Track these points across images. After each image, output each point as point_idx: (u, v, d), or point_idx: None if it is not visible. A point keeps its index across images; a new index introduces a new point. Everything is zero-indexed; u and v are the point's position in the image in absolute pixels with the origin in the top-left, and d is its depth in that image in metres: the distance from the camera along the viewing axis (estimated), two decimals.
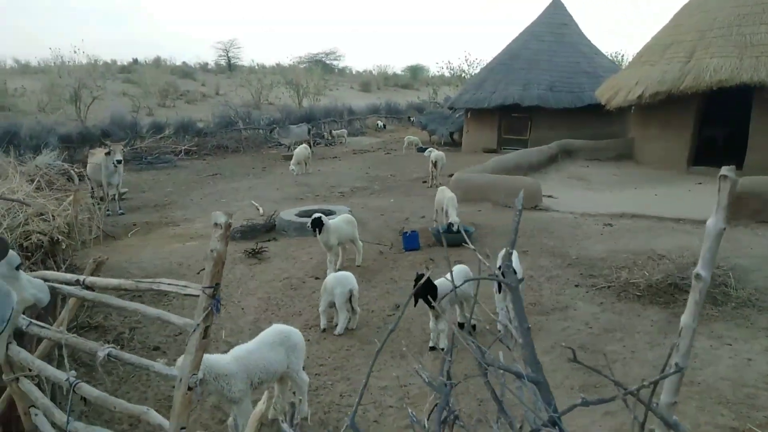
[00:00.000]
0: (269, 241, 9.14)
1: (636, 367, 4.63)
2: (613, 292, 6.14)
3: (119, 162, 10.78)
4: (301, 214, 10.09)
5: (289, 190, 14.35)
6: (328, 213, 10.22)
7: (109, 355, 2.65)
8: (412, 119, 30.94)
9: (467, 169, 12.23)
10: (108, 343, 5.40)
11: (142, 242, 9.47)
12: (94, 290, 2.88)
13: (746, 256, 6.94)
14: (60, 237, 4.23)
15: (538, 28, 20.25)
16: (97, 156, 11.84)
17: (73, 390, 2.82)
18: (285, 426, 2.30)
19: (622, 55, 38.01)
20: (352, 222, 7.84)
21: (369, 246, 8.51)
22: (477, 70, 35.97)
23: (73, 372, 2.88)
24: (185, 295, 2.54)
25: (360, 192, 13.95)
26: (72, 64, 31.99)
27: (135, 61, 46.03)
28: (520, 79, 18.80)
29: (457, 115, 22.56)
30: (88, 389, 2.81)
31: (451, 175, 14.66)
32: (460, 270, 5.35)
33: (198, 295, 2.50)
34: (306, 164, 16.89)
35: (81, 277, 2.83)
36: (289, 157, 20.13)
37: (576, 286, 6.46)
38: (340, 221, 7.71)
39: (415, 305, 5.07)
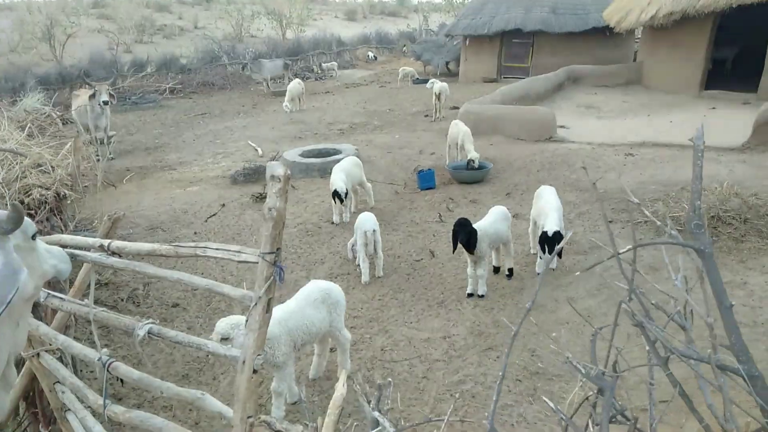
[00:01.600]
0: None
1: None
2: (651, 226, 5.85)
3: (105, 103, 10.07)
4: (305, 154, 9.59)
5: (285, 128, 13.71)
6: (333, 152, 9.74)
7: (149, 332, 2.28)
8: (404, 49, 29.71)
9: (474, 100, 11.65)
10: (122, 301, 5.07)
11: (139, 189, 8.96)
12: (120, 256, 2.48)
13: None
14: (65, 191, 3.76)
15: None
16: (81, 98, 11.04)
17: (107, 370, 2.47)
18: (374, 412, 1.98)
19: None
20: (359, 164, 7.27)
21: (382, 186, 8.11)
22: None
23: (105, 350, 2.52)
24: (239, 261, 2.14)
25: (360, 128, 13.37)
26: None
27: None
28: (521, 2, 17.79)
29: (454, 43, 21.55)
30: (125, 370, 2.46)
31: (454, 108, 14.12)
32: (499, 211, 4.98)
33: (255, 262, 2.10)
34: (300, 101, 16.12)
35: (105, 242, 2.42)
36: (279, 94, 19.33)
37: (610, 222, 6.15)
38: (347, 163, 7.12)
39: (453, 251, 4.73)
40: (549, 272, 5.14)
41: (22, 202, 3.73)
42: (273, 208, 2.05)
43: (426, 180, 7.94)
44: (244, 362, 2.08)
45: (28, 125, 4.82)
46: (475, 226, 4.58)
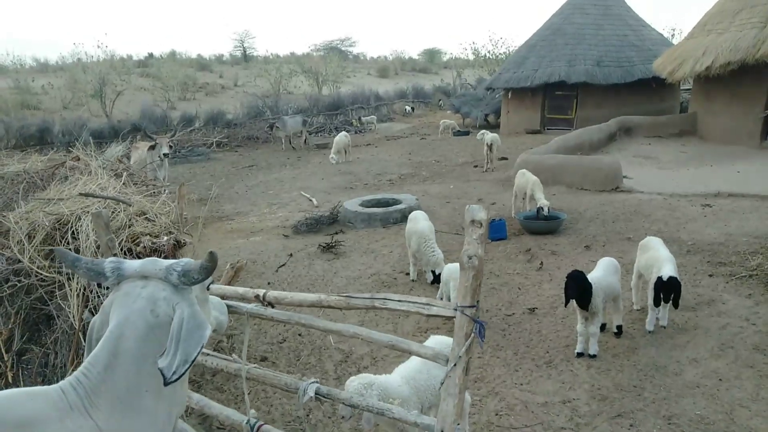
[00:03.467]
0: (336, 233, 8.53)
1: None
2: (759, 281, 5.45)
3: (166, 155, 10.23)
4: (365, 204, 9.48)
5: (334, 179, 13.73)
6: (393, 202, 9.62)
7: (318, 393, 2.04)
8: (440, 103, 30.13)
9: (531, 150, 11.50)
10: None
11: (201, 239, 8.89)
12: (274, 306, 2.28)
13: None
14: (186, 238, 3.63)
15: (581, 0, 19.30)
16: (141, 150, 11.26)
17: None
18: None
19: (673, 29, 36.63)
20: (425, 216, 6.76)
21: (447, 236, 7.88)
22: (502, 50, 35.09)
23: (253, 411, 2.28)
24: (428, 315, 1.91)
25: (410, 179, 13.31)
26: (90, 60, 31.55)
27: (150, 55, 45.51)
28: (564, 54, 17.93)
29: (495, 96, 21.72)
30: None
31: (502, 158, 14.01)
32: (609, 263, 4.69)
33: (448, 317, 1.87)
34: (346, 152, 16.25)
35: (260, 292, 2.23)
36: (322, 146, 19.58)
37: (710, 276, 5.77)
38: (420, 216, 6.70)
39: (566, 305, 4.43)
40: (661, 330, 4.77)
41: (130, 251, 3.61)
42: (474, 256, 1.84)
43: (497, 230, 7.70)
44: (442, 431, 1.83)
45: (124, 175, 4.76)
46: (589, 278, 4.28)
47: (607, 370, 4.29)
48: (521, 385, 4.21)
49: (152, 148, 10.73)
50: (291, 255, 7.55)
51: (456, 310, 1.84)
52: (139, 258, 3.60)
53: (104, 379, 1.59)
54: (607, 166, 9.78)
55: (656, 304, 4.56)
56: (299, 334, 5.13)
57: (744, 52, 11.83)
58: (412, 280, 6.46)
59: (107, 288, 1.77)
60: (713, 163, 11.61)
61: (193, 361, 1.56)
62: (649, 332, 4.76)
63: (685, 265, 6.05)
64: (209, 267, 1.68)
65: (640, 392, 3.97)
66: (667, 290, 4.32)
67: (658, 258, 4.66)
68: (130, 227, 3.72)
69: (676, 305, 4.43)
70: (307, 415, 3.76)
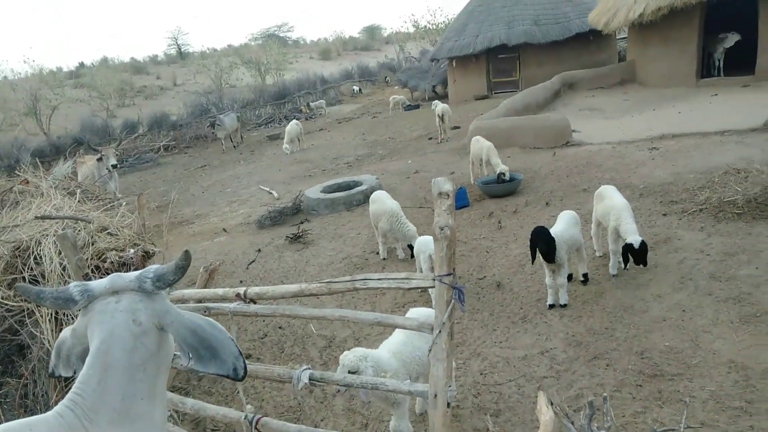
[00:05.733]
0: (302, 223, 8.52)
1: None
2: (709, 214, 5.76)
3: (114, 167, 9.94)
4: (326, 190, 9.47)
5: (291, 169, 13.64)
6: (354, 184, 9.63)
7: (311, 378, 2.10)
8: (387, 79, 30.06)
9: (482, 116, 11.66)
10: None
11: (164, 247, 8.74)
12: (256, 302, 2.31)
13: None
14: (153, 248, 3.59)
15: None
16: (87, 164, 10.91)
17: (255, 427, 2.28)
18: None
19: None
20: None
21: (414, 211, 7.97)
22: (441, 19, 35.14)
23: (250, 407, 2.33)
24: (408, 289, 1.99)
25: (366, 159, 13.34)
26: (17, 77, 30.09)
27: (81, 64, 43.70)
28: (503, 17, 18.12)
29: (440, 66, 21.81)
30: (278, 425, 2.27)
31: (455, 128, 14.17)
32: (569, 215, 4.87)
33: (426, 287, 1.95)
34: (299, 140, 16.11)
35: (241, 290, 2.25)
36: (274, 137, 19.32)
37: (664, 215, 6.06)
38: (383, 196, 6.75)
39: (533, 261, 4.59)
40: (624, 272, 5.01)
41: (98, 268, 3.56)
42: (445, 226, 1.91)
43: (459, 199, 7.83)
44: (435, 396, 1.92)
45: (78, 192, 4.64)
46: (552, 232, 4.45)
47: (578, 316, 4.49)
48: (501, 342, 4.37)
49: (99, 160, 10.41)
50: (259, 250, 7.52)
51: (435, 279, 1.91)
52: (108, 274, 3.55)
53: (99, 394, 1.61)
54: (556, 123, 10.04)
55: (625, 265, 4.79)
56: (280, 327, 5.16)
57: None
58: (383, 259, 6.55)
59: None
60: (655, 107, 12.04)
61: (241, 353, 1.65)
62: (614, 276, 5.00)
63: (639, 208, 6.32)
64: (185, 265, 1.71)
65: (612, 333, 4.19)
66: (638, 255, 4.53)
67: (613, 206, 4.87)
68: (93, 244, 3.66)
69: (645, 264, 4.66)
70: (299, 404, 3.83)
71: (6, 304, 3.57)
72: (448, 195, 1.88)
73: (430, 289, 5.00)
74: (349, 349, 3.07)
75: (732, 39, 12.64)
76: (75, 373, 1.70)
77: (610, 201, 4.97)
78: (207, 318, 1.67)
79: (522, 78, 18.20)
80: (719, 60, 13.34)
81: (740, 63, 12.66)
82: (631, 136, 9.66)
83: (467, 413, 3.64)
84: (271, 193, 11.28)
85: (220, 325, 1.67)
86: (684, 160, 7.75)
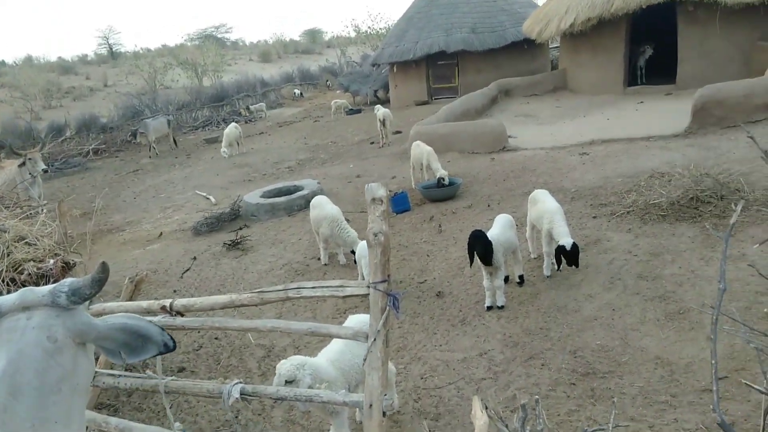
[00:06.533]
0: (241, 229, 8.31)
1: (705, 285, 4.51)
2: (636, 216, 6.04)
3: (45, 171, 9.36)
4: (266, 195, 9.29)
5: (230, 173, 13.30)
6: (295, 189, 9.49)
7: (243, 393, 2.02)
8: (328, 83, 29.92)
9: (422, 121, 11.79)
10: (126, 370, 4.60)
11: (91, 256, 8.29)
12: (183, 315, 2.20)
13: (735, 161, 7.10)
14: (75, 259, 3.36)
15: None
16: (7, 169, 10.19)
17: None
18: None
19: None
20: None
21: (356, 215, 7.95)
22: (382, 25, 35.36)
23: (178, 424, 2.22)
24: (344, 297, 1.95)
25: (308, 163, 13.20)
26: None
27: (2, 63, 41.08)
28: (441, 24, 18.42)
29: (382, 71, 21.92)
30: None
31: (396, 132, 14.27)
32: (505, 219, 4.97)
33: (363, 295, 1.92)
34: (239, 144, 15.74)
35: (166, 302, 2.14)
36: (212, 141, 18.79)
37: (594, 217, 6.30)
38: (323, 201, 6.66)
39: (471, 264, 4.65)
40: (557, 273, 5.16)
41: (13, 281, 3.31)
42: (379, 232, 1.89)
43: (400, 203, 7.88)
44: (371, 406, 1.88)
45: None
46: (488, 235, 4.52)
47: (515, 317, 4.59)
48: (441, 346, 4.40)
49: (22, 165, 9.74)
50: (195, 258, 7.27)
51: (369, 287, 1.88)
52: (26, 286, 3.31)
53: (4, 422, 1.46)
54: (493, 128, 10.28)
55: (558, 266, 4.94)
56: (216, 338, 4.99)
57: (600, 7, 12.82)
58: (325, 264, 6.47)
59: None
60: (585, 113, 12.57)
61: (162, 328, 1.60)
62: (548, 277, 5.14)
63: (571, 211, 6.55)
64: (102, 278, 1.59)
65: (547, 333, 4.30)
66: (570, 256, 4.67)
67: (546, 209, 5.02)
68: (9, 255, 3.40)
69: (577, 266, 4.81)
70: (236, 417, 3.70)
71: None
72: (382, 201, 1.86)
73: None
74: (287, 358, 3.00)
75: (648, 51, 13.46)
76: None
77: (543, 205, 5.12)
78: (121, 313, 1.58)
79: (461, 84, 18.55)
80: (642, 69, 14.12)
81: (663, 72, 13.42)
82: (563, 142, 10.03)
83: (408, 418, 3.63)
84: (208, 198, 10.95)
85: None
86: (612, 165, 8.11)
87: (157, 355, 1.63)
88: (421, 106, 18.69)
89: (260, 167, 13.45)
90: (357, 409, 3.65)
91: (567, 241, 4.70)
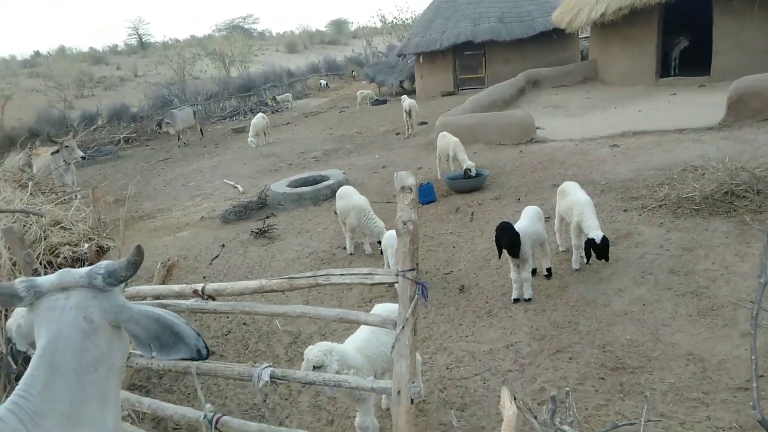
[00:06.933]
0: (268, 217, 8.39)
1: (740, 281, 4.40)
2: (668, 210, 5.91)
3: (83, 158, 9.59)
4: (292, 184, 9.36)
5: (257, 163, 13.42)
6: (321, 179, 9.54)
7: (272, 376, 2.05)
8: (354, 73, 29.91)
9: (449, 112, 11.71)
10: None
11: (124, 242, 8.48)
12: (214, 299, 2.24)
13: None
14: (109, 243, 3.45)
15: None
16: (42, 157, 10.46)
17: (216, 427, 2.21)
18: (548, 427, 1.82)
19: None
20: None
21: (378, 206, 7.93)
22: (408, 15, 35.16)
23: (209, 405, 2.26)
24: (372, 284, 1.95)
25: (333, 154, 13.23)
26: None
27: (37, 53, 42.09)
28: (469, 14, 18.23)
29: (408, 62, 21.82)
30: (238, 423, 2.20)
31: (422, 123, 14.19)
32: (533, 211, 4.91)
33: (391, 283, 1.92)
34: (265, 134, 15.87)
35: (198, 286, 2.18)
36: (239, 131, 18.99)
37: (625, 211, 6.19)
38: (350, 191, 6.69)
39: (499, 256, 4.61)
40: (587, 267, 5.09)
41: (51, 264, 3.41)
42: (408, 221, 1.88)
43: (426, 194, 7.85)
44: (399, 392, 1.89)
45: (30, 185, 4.43)
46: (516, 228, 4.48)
47: (542, 310, 4.55)
48: (466, 337, 4.39)
49: (56, 152, 9.99)
50: (223, 245, 7.38)
51: (398, 275, 1.88)
52: (60, 267, 3.40)
53: (45, 398, 1.51)
54: (520, 119, 10.16)
55: (587, 260, 4.86)
56: (244, 323, 5.07)
57: None
58: (350, 254, 6.50)
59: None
60: (616, 105, 12.32)
61: (198, 333, 1.62)
62: (576, 270, 5.08)
63: (601, 204, 6.44)
64: (137, 261, 1.64)
65: (575, 326, 4.25)
66: (599, 250, 4.60)
67: (576, 201, 4.94)
68: (46, 239, 3.50)
69: (607, 260, 4.73)
70: (264, 401, 3.75)
71: None
72: (411, 189, 1.85)
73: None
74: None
75: (684, 43, 13.11)
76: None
77: (573, 197, 5.04)
78: (158, 311, 1.60)
79: (488, 75, 18.36)
80: (676, 60, 13.75)
81: (697, 63, 13.07)
82: (593, 134, 9.84)
83: (433, 408, 3.63)
84: (235, 187, 11.08)
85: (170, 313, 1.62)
86: (644, 157, 7.94)
87: (188, 359, 1.64)
88: (447, 97, 18.57)
89: (286, 157, 13.54)
90: (383, 396, 3.69)
91: (597, 234, 4.62)
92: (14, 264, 3.33)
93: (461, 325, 4.57)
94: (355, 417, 3.37)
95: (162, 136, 19.95)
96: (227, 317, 5.16)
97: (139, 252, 1.64)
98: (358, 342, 3.24)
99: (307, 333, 4.80)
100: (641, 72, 13.71)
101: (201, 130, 18.44)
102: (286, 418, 3.69)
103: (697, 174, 6.49)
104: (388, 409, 3.70)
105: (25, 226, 3.58)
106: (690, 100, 11.48)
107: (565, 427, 1.77)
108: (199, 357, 1.60)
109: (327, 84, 28.74)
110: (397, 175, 1.87)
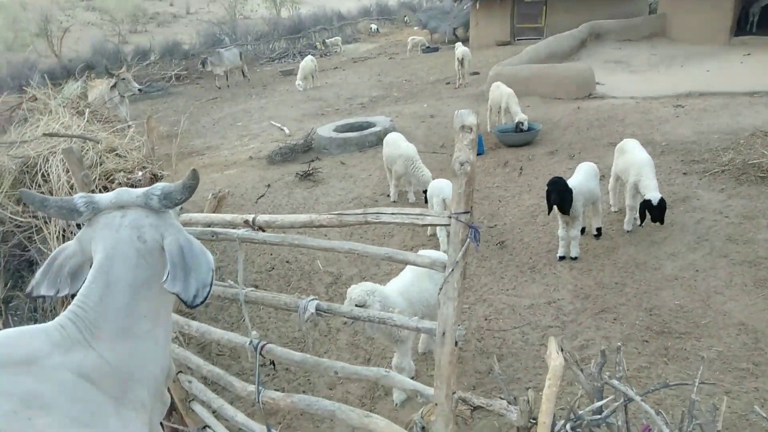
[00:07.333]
0: (313, 161, 8.41)
1: None
2: (731, 176, 5.60)
3: (140, 90, 9.76)
4: (339, 129, 9.30)
5: (304, 106, 13.38)
6: (368, 125, 9.45)
7: (318, 309, 2.06)
8: (406, 19, 29.09)
9: (503, 62, 11.27)
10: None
11: (174, 176, 8.71)
12: (264, 230, 2.25)
13: None
14: (162, 171, 3.52)
15: None
16: (98, 89, 10.70)
17: (260, 353, 2.26)
18: (595, 381, 1.77)
19: None
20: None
21: (427, 156, 7.82)
22: None
23: (255, 332, 2.31)
24: (423, 225, 1.91)
25: (381, 101, 13.04)
26: None
27: None
28: None
29: (463, 8, 20.99)
30: (283, 352, 2.26)
31: (474, 73, 13.75)
32: (588, 167, 4.73)
33: (444, 225, 1.87)
34: (313, 78, 15.73)
35: (249, 217, 2.19)
36: (287, 73, 18.89)
37: (684, 174, 5.90)
38: (398, 139, 6.59)
39: (549, 212, 4.49)
40: (639, 229, 4.92)
41: (106, 189, 3.50)
42: (466, 162, 1.81)
43: None
44: (444, 334, 1.87)
45: (87, 112, 4.53)
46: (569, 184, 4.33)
47: (588, 270, 4.44)
48: (507, 290, 4.35)
49: (113, 87, 10.20)
50: (269, 185, 7.46)
51: (450, 217, 1.83)
52: None
53: (101, 310, 1.56)
54: (579, 73, 9.70)
55: (641, 222, 4.68)
56: (287, 261, 5.16)
57: None
58: (393, 201, 6.48)
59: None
60: (683, 63, 11.60)
61: (211, 285, 1.56)
62: (628, 232, 4.91)
63: (660, 165, 6.13)
64: (192, 185, 1.63)
65: (622, 288, 4.14)
66: (655, 212, 4.41)
67: (635, 160, 4.72)
68: (101, 165, 3.59)
69: (662, 222, 4.54)
70: (304, 336, 3.85)
71: (15, 220, 3.54)
72: (471, 129, 1.77)
73: (439, 233, 4.96)
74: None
75: None
76: (57, 292, 1.62)
77: (632, 155, 4.82)
78: (202, 246, 1.59)
79: (547, 25, 17.49)
80: (755, 16, 12.73)
81: None
82: (656, 92, 9.33)
83: (470, 356, 3.65)
84: (282, 129, 11.11)
85: (212, 256, 1.60)
86: (709, 120, 7.50)
87: (180, 299, 1.53)
88: (502, 47, 17.86)
89: (333, 102, 13.44)
90: (420, 340, 3.73)
91: (654, 196, 4.43)
92: (71, 187, 3.44)
93: (503, 278, 4.52)
94: (391, 358, 3.43)
95: (211, 76, 20.08)
96: (271, 254, 5.26)
97: (195, 176, 1.64)
98: (401, 285, 3.25)
99: (347, 275, 4.86)
100: (714, 29, 12.78)
101: (243, 72, 18.38)
102: (324, 353, 3.78)
103: (767, 140, 6.09)
104: (424, 354, 3.76)
105: (82, 151, 3.67)
106: (765, 62, 10.68)
107: (614, 381, 1.73)
108: (187, 302, 1.51)
109: (378, 29, 28.08)
110: (458, 113, 1.78)
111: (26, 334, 1.52)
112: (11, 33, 24.13)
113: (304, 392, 3.20)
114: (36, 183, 3.53)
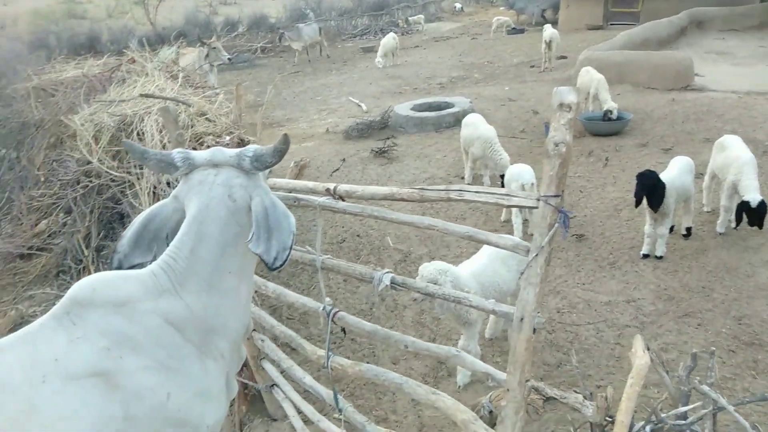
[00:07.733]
0: (389, 138, 8.39)
1: None
2: None
3: (230, 60, 10.13)
4: (416, 108, 9.23)
5: (383, 83, 13.36)
6: (446, 105, 9.31)
7: (392, 282, 2.05)
8: None
9: (595, 47, 10.73)
10: None
11: (260, 139, 8.99)
12: (344, 200, 2.26)
13: None
14: (249, 137, 3.64)
15: None
16: (188, 57, 11.18)
17: (332, 320, 2.29)
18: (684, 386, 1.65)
19: None
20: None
21: (505, 141, 7.60)
22: None
23: (328, 299, 2.34)
24: (508, 206, 1.84)
25: (460, 82, 12.80)
26: None
27: None
28: None
29: None
30: (354, 320, 2.27)
31: (561, 57, 13.19)
32: (683, 162, 4.44)
33: (532, 207, 1.80)
34: (393, 55, 15.65)
35: (330, 185, 2.20)
36: (368, 50, 18.90)
37: None
38: (478, 120, 6.45)
39: (636, 206, 4.26)
40: (732, 232, 4.57)
41: (195, 149, 3.64)
42: (561, 142, 1.72)
43: None
44: (522, 319, 1.81)
45: (181, 76, 4.73)
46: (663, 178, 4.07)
47: (674, 271, 4.19)
48: (583, 284, 4.18)
49: (206, 57, 10.62)
50: (344, 160, 7.54)
51: (539, 200, 1.75)
52: None
53: (191, 262, 1.62)
54: (677, 62, 9.06)
55: (736, 225, 4.34)
56: (358, 236, 5.21)
57: None
58: (468, 184, 6.36)
59: (177, 181, 1.76)
60: None
61: (291, 248, 1.58)
62: (720, 234, 4.58)
63: (761, 166, 5.61)
64: (283, 149, 1.65)
65: (709, 293, 3.88)
66: (754, 215, 4.08)
67: (736, 158, 4.37)
68: (192, 127, 3.73)
69: (761, 227, 4.20)
70: (371, 309, 3.88)
71: (110, 174, 3.76)
72: (570, 107, 1.67)
73: (514, 219, 4.82)
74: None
75: None
76: (155, 258, 1.66)
77: (732, 152, 4.46)
78: (286, 209, 1.61)
79: (644, 10, 16.44)
80: None
81: None
82: (762, 87, 8.57)
83: (539, 347, 3.55)
84: (359, 105, 11.16)
85: (294, 220, 1.61)
86: None
87: (262, 260, 1.55)
88: (593, 31, 17.00)
89: (412, 81, 13.33)
90: (488, 325, 3.67)
91: (754, 198, 4.09)
92: (164, 146, 3.60)
93: (579, 271, 4.35)
94: (457, 340, 3.39)
95: (293, 50, 20.46)
96: (343, 227, 5.33)
97: (286, 140, 1.66)
98: (475, 268, 3.19)
99: (416, 254, 4.84)
100: None
101: (320, 48, 18.45)
102: (390, 328, 3.78)
103: None
104: (491, 339, 3.69)
105: (176, 113, 3.82)
106: None
107: (705, 387, 1.61)
108: (268, 263, 1.54)
109: (462, 8, 27.49)
110: (557, 90, 1.69)
111: (122, 278, 1.60)
112: (113, 1, 25.57)
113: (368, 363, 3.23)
114: (131, 140, 3.72)
